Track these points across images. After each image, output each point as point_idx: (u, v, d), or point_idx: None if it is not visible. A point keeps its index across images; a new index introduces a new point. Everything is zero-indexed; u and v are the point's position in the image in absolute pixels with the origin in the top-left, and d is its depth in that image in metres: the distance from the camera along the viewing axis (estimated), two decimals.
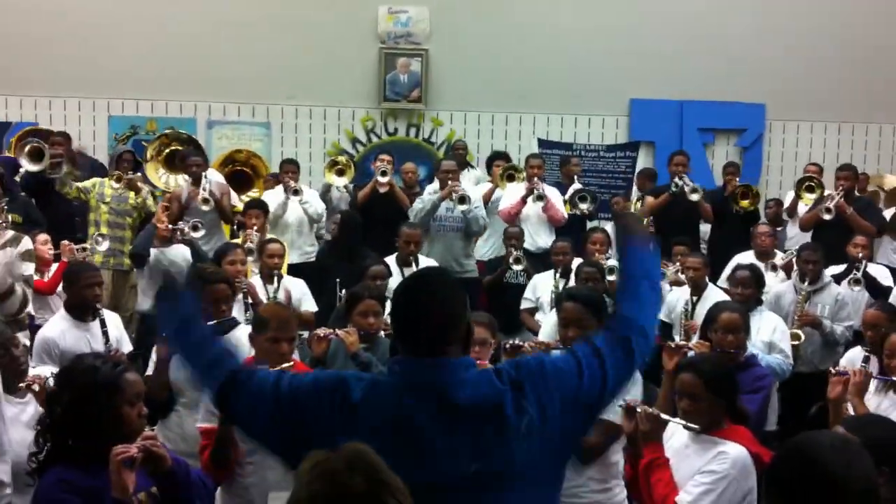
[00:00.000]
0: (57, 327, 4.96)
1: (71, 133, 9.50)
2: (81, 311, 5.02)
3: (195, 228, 6.91)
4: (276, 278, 6.47)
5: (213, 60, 10.40)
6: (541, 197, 8.01)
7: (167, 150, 9.30)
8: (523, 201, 8.04)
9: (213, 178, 8.20)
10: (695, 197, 8.27)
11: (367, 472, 1.82)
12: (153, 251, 6.53)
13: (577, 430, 2.44)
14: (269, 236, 7.12)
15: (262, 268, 6.55)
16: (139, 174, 8.50)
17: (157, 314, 2.80)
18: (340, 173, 8.79)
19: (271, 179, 9.18)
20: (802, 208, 8.35)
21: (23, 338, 4.57)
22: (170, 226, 6.60)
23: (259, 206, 7.53)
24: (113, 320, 5.21)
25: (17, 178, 7.87)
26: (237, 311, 5.37)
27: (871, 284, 6.71)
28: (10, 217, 5.77)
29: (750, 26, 10.64)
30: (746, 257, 7.18)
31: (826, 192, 8.09)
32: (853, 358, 4.93)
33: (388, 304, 5.54)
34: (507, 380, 2.31)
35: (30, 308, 5.45)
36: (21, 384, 3.58)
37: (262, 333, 3.82)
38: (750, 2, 10.83)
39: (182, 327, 2.54)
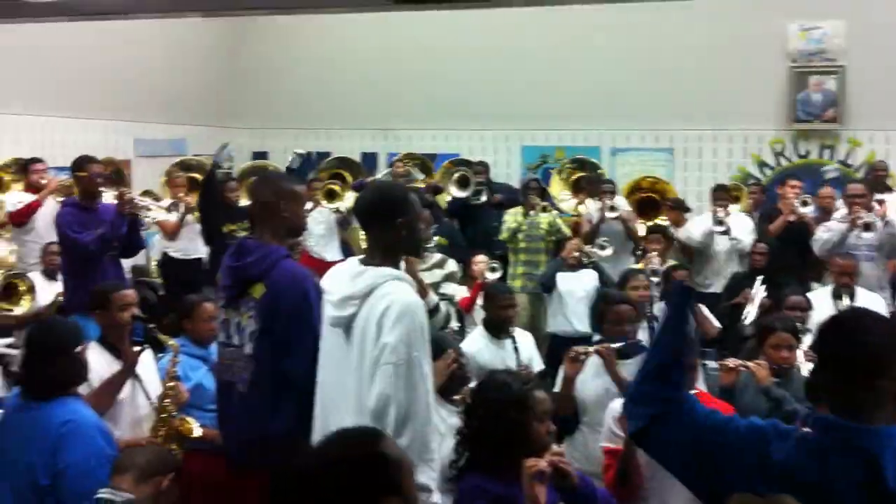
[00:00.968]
0: (476, 343, 5.36)
1: (488, 162, 10.33)
2: (498, 329, 5.38)
3: (602, 248, 7.12)
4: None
5: (616, 88, 10.62)
6: None
7: (574, 176, 9.67)
8: None
9: (620, 203, 8.38)
10: None
11: None
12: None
13: None
14: (670, 262, 7.11)
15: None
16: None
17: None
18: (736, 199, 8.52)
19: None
20: None
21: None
22: (575, 252, 6.87)
23: (659, 231, 7.56)
24: (525, 339, 5.52)
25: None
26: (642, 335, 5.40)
27: None
28: (436, 239, 6.37)
29: None
30: None
31: None
32: None
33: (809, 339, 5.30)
34: None
35: (454, 324, 5.94)
36: (457, 395, 3.82)
37: None
38: None
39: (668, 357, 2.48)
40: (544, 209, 8.26)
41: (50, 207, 7.23)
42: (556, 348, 6.04)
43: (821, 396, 2.27)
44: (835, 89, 10.18)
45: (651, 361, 2.49)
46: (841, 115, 10.17)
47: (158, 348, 4.52)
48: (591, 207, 8.50)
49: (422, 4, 6.48)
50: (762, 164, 10.49)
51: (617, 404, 3.78)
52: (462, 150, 11.05)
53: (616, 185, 9.10)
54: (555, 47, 10.92)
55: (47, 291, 6.88)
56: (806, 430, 2.23)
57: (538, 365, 5.46)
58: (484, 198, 9.09)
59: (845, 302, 6.17)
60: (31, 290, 6.85)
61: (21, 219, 7.48)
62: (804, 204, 7.93)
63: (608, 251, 7.21)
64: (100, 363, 4.00)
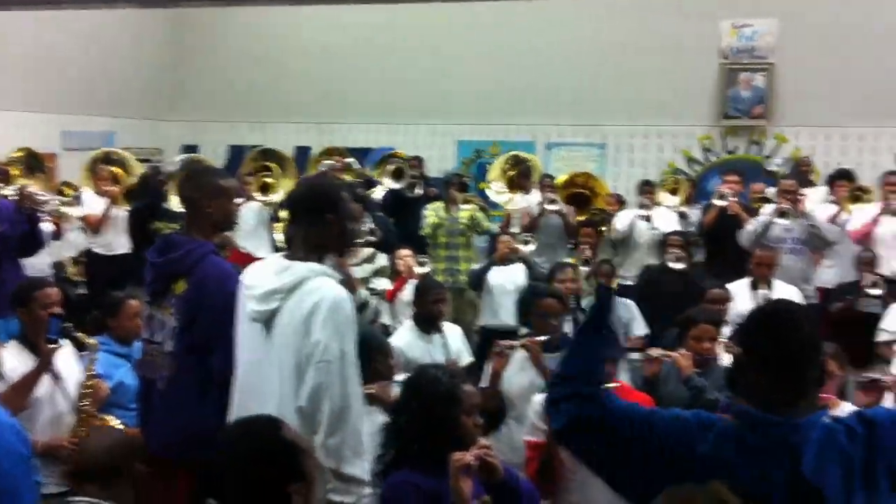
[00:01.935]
0: (405, 337, 5.37)
1: (423, 157, 10.32)
2: (427, 323, 5.39)
3: (525, 242, 7.18)
4: None
5: (551, 83, 10.71)
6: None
7: (509, 172, 9.70)
8: (876, 220, 7.44)
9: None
10: None
11: None
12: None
13: None
14: (602, 257, 7.20)
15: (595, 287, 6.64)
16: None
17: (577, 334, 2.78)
18: (673, 192, 8.65)
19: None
20: None
21: None
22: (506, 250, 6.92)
23: (590, 225, 7.65)
24: (454, 333, 5.54)
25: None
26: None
27: None
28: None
29: None
30: None
31: None
32: None
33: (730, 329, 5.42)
34: (860, 442, 2.14)
35: (384, 319, 5.94)
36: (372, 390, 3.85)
37: None
38: None
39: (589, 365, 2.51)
40: (466, 201, 8.26)
41: None
42: (487, 342, 6.06)
43: (742, 387, 2.30)
44: (764, 86, 10.40)
45: (570, 361, 2.52)
46: (769, 111, 10.40)
47: (81, 347, 4.43)
48: (530, 201, 8.55)
49: None
50: (691, 160, 10.68)
51: (539, 398, 3.81)
52: (397, 144, 10.97)
53: (553, 180, 9.19)
54: (490, 43, 11.01)
55: None
56: (726, 417, 2.27)
57: (467, 357, 5.49)
58: (419, 192, 9.07)
59: (762, 293, 6.32)
60: None
61: None
62: (720, 197, 8.08)
63: (531, 246, 7.28)
64: (19, 361, 3.93)
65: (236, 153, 11.61)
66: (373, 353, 3.74)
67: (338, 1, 9.53)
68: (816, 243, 7.49)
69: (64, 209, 7.34)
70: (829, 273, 7.83)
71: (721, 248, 7.94)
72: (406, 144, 10.94)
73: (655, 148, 10.81)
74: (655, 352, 4.54)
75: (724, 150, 10.65)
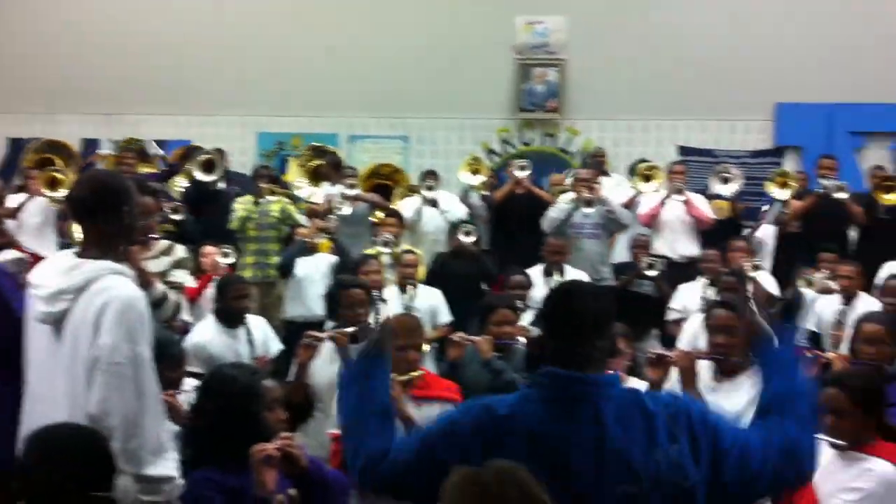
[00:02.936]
0: (206, 333, 5.21)
1: (223, 149, 10.00)
2: (230, 318, 5.27)
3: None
4: (411, 287, 6.61)
5: (353, 75, 10.70)
6: (680, 190, 8.03)
7: (311, 164, 9.60)
8: (662, 203, 8.00)
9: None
10: (841, 195, 7.83)
11: (519, 486, 1.81)
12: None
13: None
14: (404, 246, 7.27)
15: (398, 277, 6.70)
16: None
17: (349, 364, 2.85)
18: (475, 172, 8.88)
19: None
20: None
21: None
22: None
23: (394, 215, 7.71)
24: (258, 324, 5.43)
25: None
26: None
27: None
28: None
29: None
30: None
31: None
32: None
33: (531, 314, 5.62)
34: (660, 404, 2.34)
35: (185, 315, 5.73)
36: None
37: None
38: None
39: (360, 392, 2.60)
40: (272, 192, 8.12)
41: None
42: (293, 334, 5.99)
43: (544, 359, 2.43)
44: (556, 81, 10.84)
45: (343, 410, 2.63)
46: (561, 105, 10.85)
47: None
48: (331, 192, 8.51)
49: None
50: (491, 152, 10.98)
51: None
52: (193, 136, 10.58)
53: (357, 172, 9.17)
54: (291, 34, 10.88)
55: None
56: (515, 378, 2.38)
57: (275, 346, 5.41)
58: (222, 185, 8.78)
59: (555, 279, 6.67)
60: None
61: None
62: (521, 169, 8.49)
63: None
64: None
65: (16, 146, 10.91)
66: (164, 360, 3.60)
67: None
68: (613, 227, 7.93)
69: None
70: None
71: (509, 229, 8.27)
72: (203, 136, 10.55)
73: (457, 140, 11.02)
74: (458, 336, 4.65)
75: (521, 142, 11.01)
